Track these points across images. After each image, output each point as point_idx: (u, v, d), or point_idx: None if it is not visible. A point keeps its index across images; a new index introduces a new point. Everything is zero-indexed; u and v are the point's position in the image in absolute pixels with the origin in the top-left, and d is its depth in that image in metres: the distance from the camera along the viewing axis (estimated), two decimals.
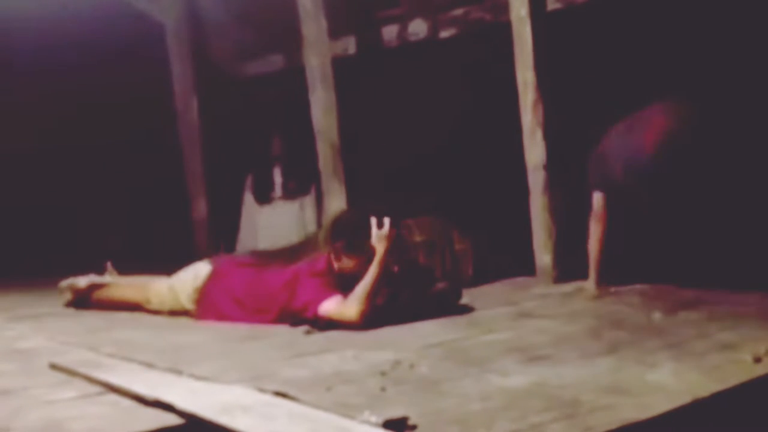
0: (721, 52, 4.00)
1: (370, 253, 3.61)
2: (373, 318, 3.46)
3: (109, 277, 4.51)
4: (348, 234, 3.71)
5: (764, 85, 3.86)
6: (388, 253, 3.59)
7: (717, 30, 3.99)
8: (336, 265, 3.71)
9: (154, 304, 4.18)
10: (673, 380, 2.41)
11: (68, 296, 4.50)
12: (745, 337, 2.81)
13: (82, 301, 4.46)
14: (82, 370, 2.87)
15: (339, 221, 3.88)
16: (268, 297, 3.76)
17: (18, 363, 3.22)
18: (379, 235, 3.60)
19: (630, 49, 4.31)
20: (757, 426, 2.32)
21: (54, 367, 3.01)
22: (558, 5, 4.42)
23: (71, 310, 4.46)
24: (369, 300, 3.49)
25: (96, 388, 2.68)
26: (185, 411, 2.29)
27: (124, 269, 4.65)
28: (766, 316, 3.12)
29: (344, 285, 3.64)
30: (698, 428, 2.21)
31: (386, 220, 3.63)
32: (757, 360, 2.52)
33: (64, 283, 4.51)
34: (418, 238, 4.49)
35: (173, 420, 2.29)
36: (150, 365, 2.95)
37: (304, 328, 3.51)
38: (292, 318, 3.63)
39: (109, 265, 4.56)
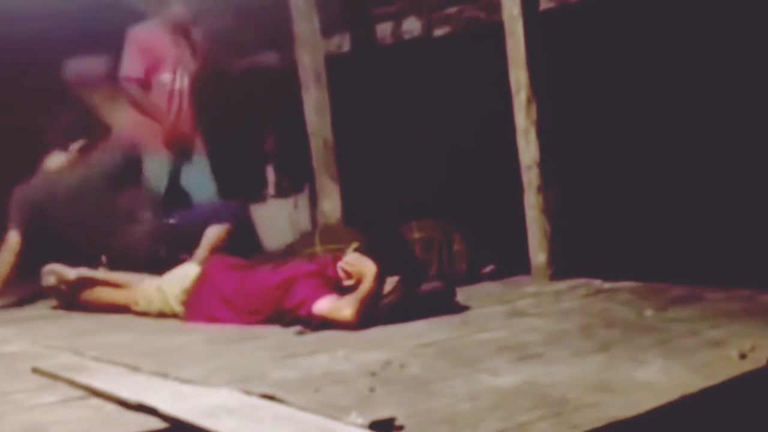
0: (715, 52, 4.00)
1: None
2: (369, 319, 3.43)
3: (101, 272, 4.47)
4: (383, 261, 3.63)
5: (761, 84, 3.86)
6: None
7: (711, 30, 3.98)
8: (347, 281, 3.67)
9: (142, 306, 4.16)
10: (662, 377, 2.40)
11: (51, 281, 4.43)
12: (733, 334, 2.81)
13: (70, 301, 4.44)
14: (65, 374, 2.84)
15: (374, 248, 3.78)
16: (260, 297, 3.73)
17: (0, 367, 3.19)
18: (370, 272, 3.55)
19: (623, 48, 4.31)
20: (742, 421, 2.31)
21: (36, 371, 2.98)
22: (551, 4, 4.41)
23: (57, 313, 4.44)
24: (368, 302, 3.46)
25: (79, 393, 2.65)
26: (168, 415, 2.27)
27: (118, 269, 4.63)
28: (754, 312, 3.12)
29: (341, 286, 3.63)
30: (684, 425, 2.20)
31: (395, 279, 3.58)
32: (743, 356, 2.52)
33: (50, 268, 4.44)
34: (416, 235, 4.48)
35: (157, 424, 2.26)
36: (135, 368, 2.92)
37: (295, 328, 3.48)
38: (284, 316, 3.61)
39: (104, 259, 4.53)
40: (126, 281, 4.36)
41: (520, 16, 4.21)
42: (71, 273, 4.41)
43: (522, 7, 4.20)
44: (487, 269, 4.50)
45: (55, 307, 4.49)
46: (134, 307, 4.20)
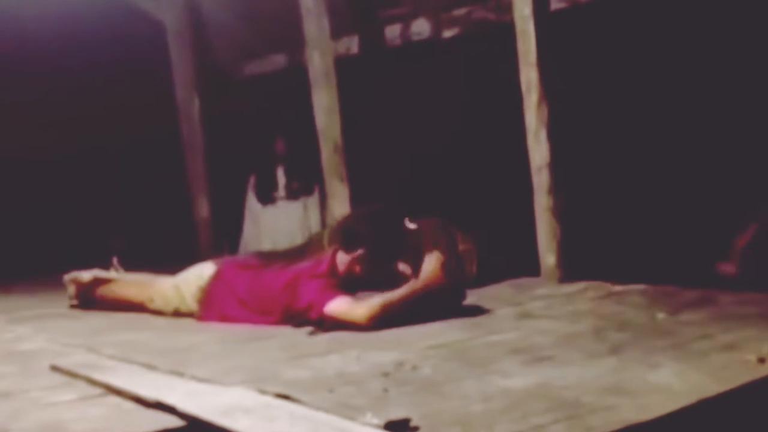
0: (724, 51, 4.00)
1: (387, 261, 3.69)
2: (381, 324, 3.43)
3: (114, 273, 4.51)
4: (369, 243, 3.69)
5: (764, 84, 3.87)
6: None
7: (721, 29, 3.98)
8: (347, 269, 3.68)
9: (157, 303, 4.19)
10: (676, 381, 2.39)
11: (72, 289, 4.51)
12: (749, 338, 2.79)
13: (86, 299, 4.47)
14: (83, 371, 2.87)
15: (359, 228, 3.81)
16: (269, 298, 3.75)
17: (18, 365, 3.22)
18: (436, 263, 3.57)
19: (634, 48, 4.31)
20: (761, 427, 2.31)
21: (55, 368, 3.01)
22: (562, 4, 4.42)
23: (73, 312, 4.47)
24: (387, 311, 3.44)
25: (97, 390, 2.68)
26: (186, 413, 2.30)
27: (127, 269, 4.66)
28: (766, 317, 3.08)
29: (348, 286, 3.64)
30: (701, 429, 2.20)
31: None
32: (761, 360, 2.49)
33: (68, 276, 4.53)
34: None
35: (174, 422, 2.29)
36: (151, 367, 2.95)
37: (307, 329, 3.49)
38: (295, 319, 3.62)
39: (115, 260, 4.56)
40: (140, 280, 4.40)
41: (531, 16, 4.20)
42: (86, 276, 4.49)
43: (533, 7, 4.19)
44: (501, 260, 4.50)
45: (72, 306, 4.54)
46: (149, 305, 4.23)
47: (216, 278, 3.99)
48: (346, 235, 3.78)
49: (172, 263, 4.45)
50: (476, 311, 3.68)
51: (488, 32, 4.87)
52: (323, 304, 3.51)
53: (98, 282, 4.47)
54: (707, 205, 4.08)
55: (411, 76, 5.25)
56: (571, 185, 4.25)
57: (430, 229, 4.52)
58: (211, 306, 3.94)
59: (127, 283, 4.44)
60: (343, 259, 3.72)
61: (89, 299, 4.48)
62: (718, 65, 4.03)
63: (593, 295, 3.85)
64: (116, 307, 4.37)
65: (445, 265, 3.57)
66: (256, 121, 6.16)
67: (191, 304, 4.03)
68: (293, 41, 5.61)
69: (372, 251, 3.68)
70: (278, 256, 4.44)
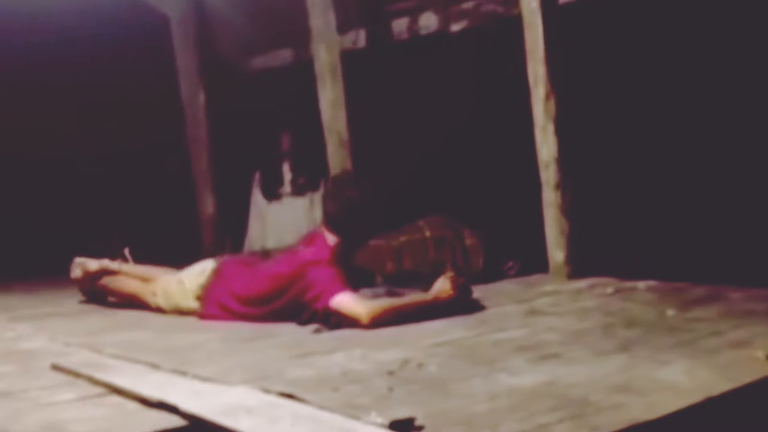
0: (734, 46, 3.97)
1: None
2: (381, 325, 3.42)
3: (120, 264, 4.53)
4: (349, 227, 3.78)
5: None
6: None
7: (732, 24, 3.95)
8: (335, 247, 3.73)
9: (159, 298, 4.19)
10: (685, 378, 2.37)
11: (78, 272, 4.54)
12: (758, 335, 2.76)
13: (91, 289, 4.52)
14: (85, 371, 2.85)
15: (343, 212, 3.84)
16: (269, 286, 3.74)
17: (19, 364, 3.20)
18: (447, 284, 3.61)
19: (643, 43, 4.28)
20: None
21: (56, 368, 3.00)
22: None
23: (74, 311, 4.47)
24: (389, 314, 3.46)
25: (98, 390, 2.66)
26: (188, 412, 2.28)
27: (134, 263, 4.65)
28: None
29: (353, 281, 3.64)
30: (709, 427, 2.17)
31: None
32: None
33: (79, 260, 4.56)
34: (427, 234, 4.46)
35: (176, 422, 2.27)
36: (154, 366, 2.93)
37: (311, 327, 3.48)
38: (302, 309, 3.60)
39: (126, 251, 4.58)
40: (146, 274, 4.41)
41: (539, 10, 4.17)
42: (93, 264, 4.51)
43: (541, 1, 4.16)
44: (509, 265, 4.48)
45: (81, 301, 4.55)
46: (151, 299, 4.23)
47: (216, 274, 4.00)
48: (327, 218, 3.87)
49: (176, 261, 4.45)
50: (482, 308, 3.67)
51: (496, 26, 4.83)
52: (330, 296, 3.52)
53: (104, 272, 4.50)
54: (717, 200, 4.04)
55: (418, 70, 5.22)
56: (579, 180, 4.22)
57: (437, 225, 4.51)
58: (212, 301, 3.94)
59: (131, 276, 4.44)
60: (330, 237, 3.78)
61: (94, 290, 4.49)
62: (729, 60, 3.99)
63: (601, 292, 3.83)
64: (117, 297, 4.41)
65: (457, 286, 3.61)
66: (262, 116, 6.13)
67: (192, 299, 4.02)
68: (299, 35, 5.58)
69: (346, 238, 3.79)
70: (280, 254, 4.41)
